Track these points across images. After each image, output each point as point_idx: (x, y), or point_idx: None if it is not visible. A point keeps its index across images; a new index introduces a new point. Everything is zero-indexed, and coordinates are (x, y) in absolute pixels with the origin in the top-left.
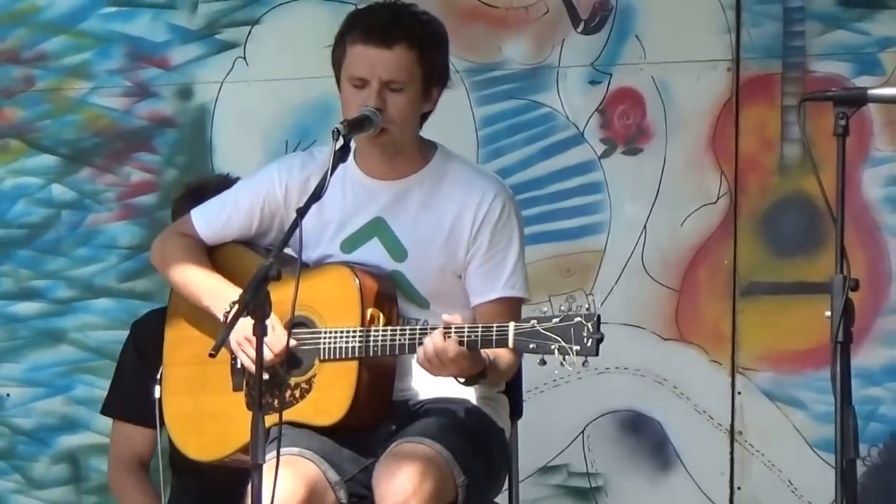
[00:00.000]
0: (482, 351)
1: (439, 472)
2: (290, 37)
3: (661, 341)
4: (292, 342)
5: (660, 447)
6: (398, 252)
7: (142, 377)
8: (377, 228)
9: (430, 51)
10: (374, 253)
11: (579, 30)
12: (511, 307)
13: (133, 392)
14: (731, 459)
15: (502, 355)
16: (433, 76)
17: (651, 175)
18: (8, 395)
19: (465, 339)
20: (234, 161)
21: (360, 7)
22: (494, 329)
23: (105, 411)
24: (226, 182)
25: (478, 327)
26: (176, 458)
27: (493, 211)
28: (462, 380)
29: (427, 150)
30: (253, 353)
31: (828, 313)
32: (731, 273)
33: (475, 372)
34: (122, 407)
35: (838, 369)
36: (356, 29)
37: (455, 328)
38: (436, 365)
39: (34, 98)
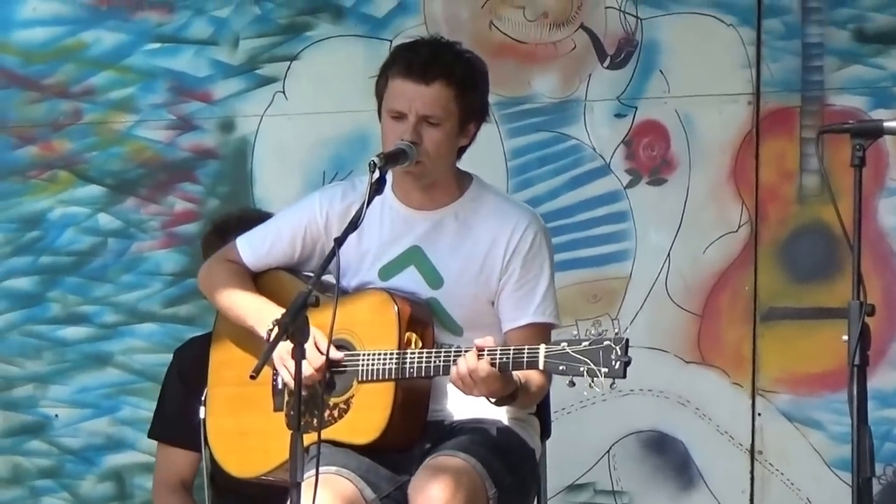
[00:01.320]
0: (514, 373)
1: (472, 484)
2: (327, 72)
3: (684, 364)
4: (335, 354)
5: (683, 466)
6: (434, 280)
7: (184, 402)
8: (414, 257)
9: (467, 89)
10: (410, 280)
11: (605, 65)
12: (541, 332)
13: (176, 417)
14: (752, 478)
15: (533, 379)
16: (470, 113)
17: (675, 205)
18: (56, 415)
19: (498, 360)
20: (274, 191)
21: (404, 42)
22: (526, 351)
23: (151, 435)
24: (261, 216)
25: (510, 349)
26: (217, 477)
27: (524, 241)
28: (493, 400)
29: (463, 181)
30: (293, 368)
31: (845, 337)
32: (751, 299)
33: (506, 393)
34: (165, 431)
35: (855, 391)
36: (398, 63)
37: (488, 350)
38: (468, 384)
39: (82, 130)
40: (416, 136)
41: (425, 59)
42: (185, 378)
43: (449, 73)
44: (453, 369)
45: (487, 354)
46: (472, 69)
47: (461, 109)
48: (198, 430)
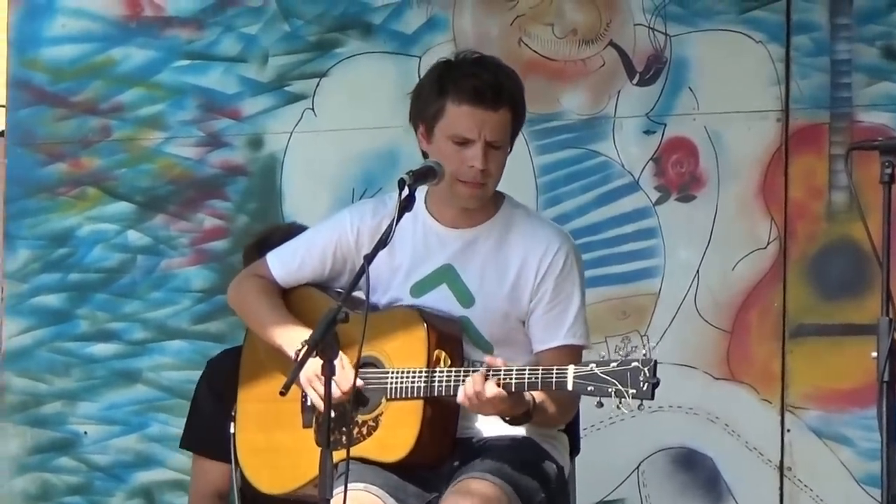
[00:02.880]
0: (527, 393)
1: None
2: (356, 89)
3: (713, 381)
4: (359, 381)
5: (712, 483)
6: (465, 298)
7: (216, 413)
8: (446, 275)
9: (521, 111)
10: (442, 298)
11: (634, 82)
12: (572, 354)
13: (208, 427)
14: (781, 494)
15: (551, 398)
16: (517, 132)
17: (704, 221)
18: (85, 432)
19: (502, 381)
20: (303, 208)
21: (449, 61)
22: (554, 372)
23: (182, 444)
24: (293, 230)
25: (525, 369)
26: (247, 493)
27: (556, 262)
28: (507, 419)
29: (496, 199)
30: (322, 390)
31: (874, 354)
32: (780, 315)
33: (517, 413)
34: (197, 441)
35: (884, 408)
36: (463, 90)
37: (493, 371)
38: (475, 405)
39: (111, 147)
40: (485, 162)
41: (493, 87)
42: (217, 389)
43: (513, 98)
44: (461, 390)
45: (493, 375)
46: (521, 88)
47: (514, 130)
48: (230, 441)
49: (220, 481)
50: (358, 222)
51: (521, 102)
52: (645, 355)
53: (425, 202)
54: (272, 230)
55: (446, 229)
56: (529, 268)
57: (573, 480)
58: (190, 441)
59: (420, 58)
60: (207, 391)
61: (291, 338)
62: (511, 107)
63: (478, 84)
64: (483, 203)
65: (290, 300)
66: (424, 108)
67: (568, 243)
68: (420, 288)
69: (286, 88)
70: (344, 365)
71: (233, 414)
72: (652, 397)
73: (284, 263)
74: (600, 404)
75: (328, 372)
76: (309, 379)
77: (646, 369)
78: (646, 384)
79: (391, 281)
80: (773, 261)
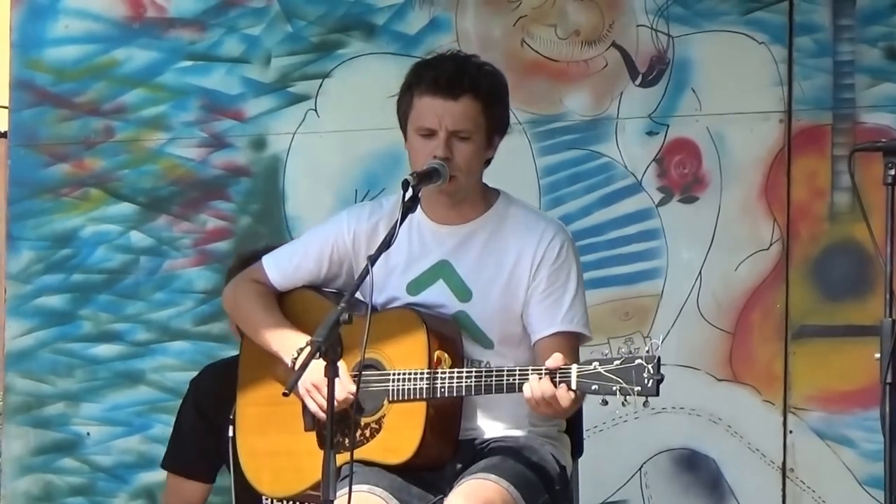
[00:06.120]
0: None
1: None
2: (359, 89)
3: (715, 382)
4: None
5: (714, 484)
6: (463, 293)
7: (199, 433)
8: (442, 271)
9: (493, 101)
10: (439, 294)
11: (637, 83)
12: (570, 342)
13: (191, 448)
14: (783, 496)
15: None
16: (495, 125)
17: (706, 222)
18: (88, 433)
19: (506, 382)
20: (306, 209)
21: (423, 59)
22: (558, 373)
23: (164, 466)
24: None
25: (541, 369)
26: (243, 500)
27: (550, 251)
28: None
29: (490, 195)
30: (320, 400)
31: (877, 355)
32: (783, 316)
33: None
34: (179, 463)
35: (887, 409)
36: (423, 81)
37: (495, 371)
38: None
39: (113, 148)
40: (448, 152)
41: (451, 75)
42: (201, 408)
43: (475, 86)
44: (526, 387)
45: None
46: (495, 82)
47: (488, 122)
48: (211, 461)
49: (193, 499)
50: (354, 225)
51: (490, 93)
52: (648, 352)
53: (419, 201)
54: (257, 252)
55: (441, 227)
56: (525, 258)
57: (576, 481)
58: (173, 462)
59: (422, 59)
60: (191, 411)
61: (287, 343)
62: (474, 96)
63: (437, 74)
64: (459, 197)
65: (286, 302)
66: (399, 110)
67: (563, 233)
68: (417, 285)
69: (289, 89)
70: (340, 374)
71: (231, 417)
72: (657, 393)
73: (280, 267)
74: (605, 402)
75: (331, 373)
76: (307, 390)
77: (650, 366)
78: (650, 381)
79: (387, 280)
80: (775, 262)
